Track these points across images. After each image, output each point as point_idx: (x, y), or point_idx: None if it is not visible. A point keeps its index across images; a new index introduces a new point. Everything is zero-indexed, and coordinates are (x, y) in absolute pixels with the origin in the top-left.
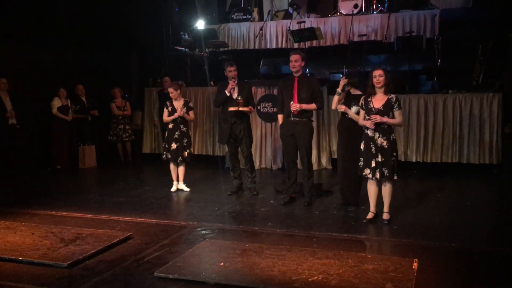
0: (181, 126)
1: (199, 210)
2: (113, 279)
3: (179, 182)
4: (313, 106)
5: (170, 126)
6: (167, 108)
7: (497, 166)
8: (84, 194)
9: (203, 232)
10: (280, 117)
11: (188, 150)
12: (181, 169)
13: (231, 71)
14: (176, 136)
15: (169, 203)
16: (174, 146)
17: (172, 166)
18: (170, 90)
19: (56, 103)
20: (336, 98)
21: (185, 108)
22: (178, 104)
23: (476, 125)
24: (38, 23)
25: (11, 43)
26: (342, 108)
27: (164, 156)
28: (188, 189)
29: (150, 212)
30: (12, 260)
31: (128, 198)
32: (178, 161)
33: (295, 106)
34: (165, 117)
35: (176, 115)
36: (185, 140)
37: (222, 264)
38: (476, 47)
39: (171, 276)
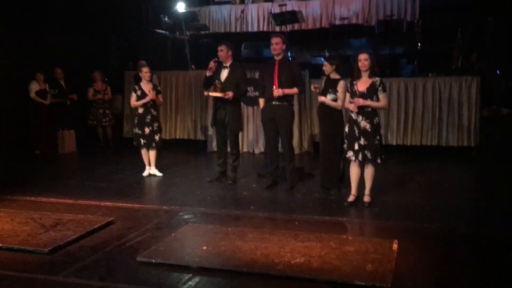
0: (152, 110)
1: (181, 195)
2: (95, 264)
3: (151, 167)
4: (294, 90)
5: (140, 111)
6: (135, 92)
7: (475, 148)
8: (64, 179)
9: (186, 216)
10: (261, 101)
11: (159, 134)
12: (153, 154)
13: (218, 50)
14: (148, 120)
15: (151, 187)
16: (147, 130)
17: (143, 151)
18: (145, 69)
19: (34, 87)
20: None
21: (154, 91)
22: (148, 87)
23: (455, 109)
24: (15, 4)
25: None
26: (322, 99)
27: (135, 142)
28: (160, 174)
29: (132, 197)
30: None
31: (109, 183)
32: (153, 145)
33: (277, 91)
34: (134, 102)
35: (148, 98)
36: (155, 125)
37: (204, 248)
38: (456, 31)
39: (153, 261)
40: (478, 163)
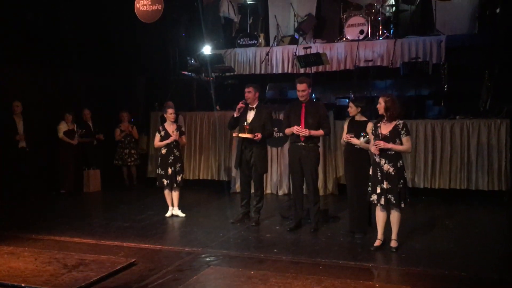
0: (175, 151)
1: (203, 236)
2: None
3: (174, 208)
4: (320, 132)
5: (164, 151)
6: (159, 133)
7: (506, 192)
8: (88, 218)
9: (208, 258)
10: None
11: (181, 175)
12: (176, 195)
13: (245, 92)
14: (170, 161)
15: (173, 228)
16: (170, 171)
17: (166, 191)
18: (170, 111)
19: (63, 127)
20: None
21: (178, 132)
22: (172, 128)
23: (484, 151)
24: (46, 48)
25: (21, 68)
26: (356, 142)
27: (158, 182)
28: (183, 215)
29: (154, 237)
30: (14, 287)
31: (132, 223)
32: (174, 186)
33: (304, 131)
34: (157, 142)
35: (171, 139)
36: (178, 165)
37: None
38: (483, 73)
39: None
40: (509, 208)
